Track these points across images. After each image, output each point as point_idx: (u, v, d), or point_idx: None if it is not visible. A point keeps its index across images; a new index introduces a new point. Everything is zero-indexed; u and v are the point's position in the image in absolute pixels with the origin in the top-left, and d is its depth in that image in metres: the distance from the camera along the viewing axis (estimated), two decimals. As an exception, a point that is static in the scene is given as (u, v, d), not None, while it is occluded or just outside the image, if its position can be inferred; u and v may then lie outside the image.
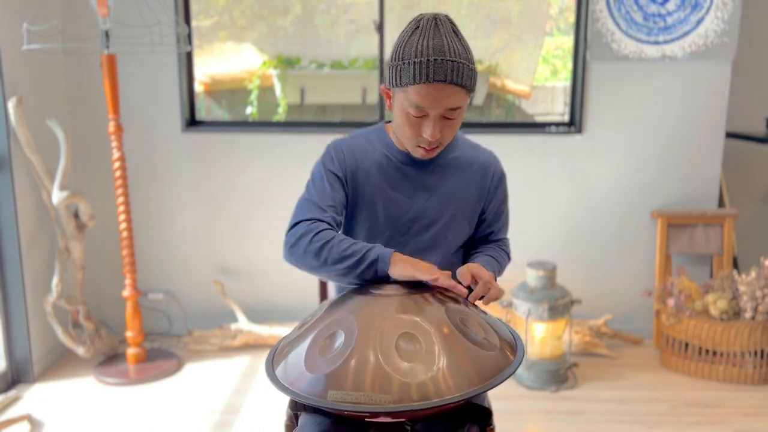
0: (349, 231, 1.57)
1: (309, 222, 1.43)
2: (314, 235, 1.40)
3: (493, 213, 1.60)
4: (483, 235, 1.62)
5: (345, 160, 1.51)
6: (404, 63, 1.34)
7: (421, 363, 1.15)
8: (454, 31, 1.37)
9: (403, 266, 1.35)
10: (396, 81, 1.38)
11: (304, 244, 1.40)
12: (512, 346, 1.29)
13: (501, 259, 1.59)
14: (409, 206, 1.52)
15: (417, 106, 1.37)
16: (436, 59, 1.32)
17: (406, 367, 1.14)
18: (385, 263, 1.35)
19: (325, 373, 1.16)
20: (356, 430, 1.33)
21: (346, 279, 1.41)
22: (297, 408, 1.47)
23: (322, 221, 1.44)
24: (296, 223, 1.44)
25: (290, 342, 1.31)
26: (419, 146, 1.44)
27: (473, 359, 1.18)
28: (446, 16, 1.39)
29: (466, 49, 1.37)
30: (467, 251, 1.64)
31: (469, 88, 1.38)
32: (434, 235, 1.54)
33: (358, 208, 1.53)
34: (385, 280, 1.38)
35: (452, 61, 1.32)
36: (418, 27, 1.36)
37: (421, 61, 1.32)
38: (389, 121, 1.56)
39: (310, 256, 1.40)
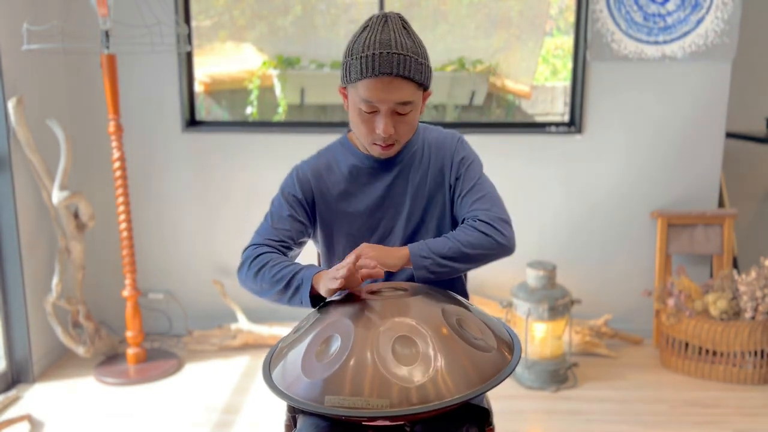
0: (329, 247, 1.56)
1: (254, 247, 1.46)
2: (253, 260, 1.43)
3: (467, 184, 1.50)
4: (465, 212, 1.49)
5: (310, 182, 1.51)
6: (353, 59, 1.36)
7: (417, 366, 1.14)
8: (404, 27, 1.38)
9: (323, 284, 1.31)
10: (347, 78, 1.39)
11: (245, 268, 1.44)
12: (510, 346, 1.28)
13: (458, 234, 1.43)
14: (386, 208, 1.52)
15: (367, 101, 1.37)
16: (382, 52, 1.32)
17: (402, 371, 1.13)
18: (307, 289, 1.33)
19: (322, 377, 1.15)
20: (354, 432, 1.33)
21: (286, 304, 1.40)
22: (295, 411, 1.46)
23: (266, 245, 1.45)
24: (245, 249, 1.48)
25: (287, 345, 1.30)
26: (375, 143, 1.43)
27: (470, 361, 1.17)
28: (397, 14, 1.40)
29: (416, 44, 1.37)
30: None
31: (420, 82, 1.37)
32: (416, 228, 1.53)
33: (336, 224, 1.53)
34: (319, 302, 1.35)
35: (398, 54, 1.33)
36: (368, 26, 1.38)
37: (367, 55, 1.34)
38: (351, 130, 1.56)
39: (250, 281, 1.44)
